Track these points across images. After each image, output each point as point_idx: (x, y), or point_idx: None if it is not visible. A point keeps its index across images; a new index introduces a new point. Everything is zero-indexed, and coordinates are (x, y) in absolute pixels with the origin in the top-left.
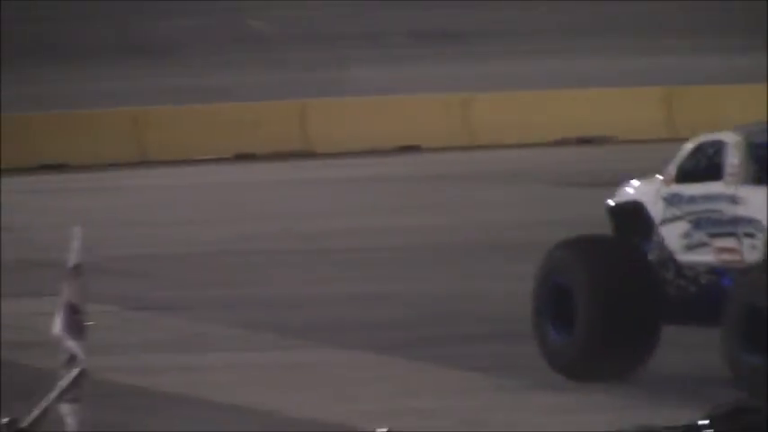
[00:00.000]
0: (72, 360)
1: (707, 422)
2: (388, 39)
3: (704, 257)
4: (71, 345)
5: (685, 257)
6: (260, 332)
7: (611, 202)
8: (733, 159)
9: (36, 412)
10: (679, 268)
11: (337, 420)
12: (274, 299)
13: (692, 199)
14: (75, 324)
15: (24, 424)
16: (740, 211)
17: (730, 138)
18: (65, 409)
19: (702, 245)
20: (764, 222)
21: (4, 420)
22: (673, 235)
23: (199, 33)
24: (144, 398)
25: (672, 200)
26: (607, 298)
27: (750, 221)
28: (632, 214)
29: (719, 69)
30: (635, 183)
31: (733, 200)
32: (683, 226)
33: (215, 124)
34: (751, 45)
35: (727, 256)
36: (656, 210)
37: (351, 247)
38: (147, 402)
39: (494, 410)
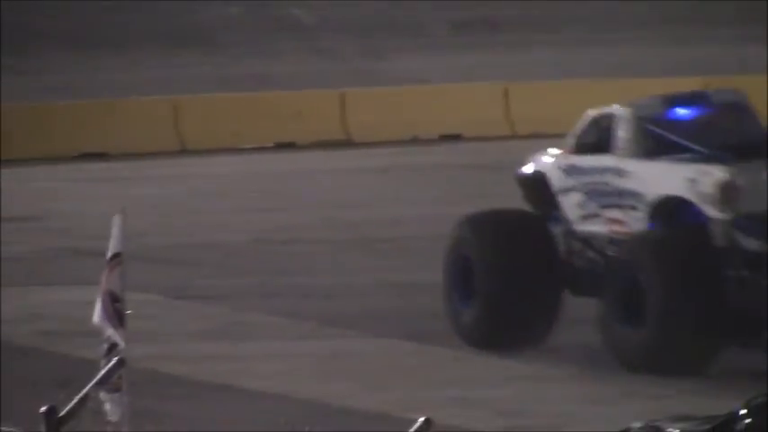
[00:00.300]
0: (112, 348)
1: (744, 412)
2: (428, 28)
3: (597, 228)
4: (111, 333)
5: (581, 228)
6: (300, 321)
7: (519, 173)
8: (621, 133)
9: (74, 401)
10: (586, 239)
11: (376, 409)
12: (314, 288)
13: (585, 170)
14: (115, 312)
15: (63, 412)
16: (625, 183)
17: (620, 111)
18: (105, 397)
19: (595, 216)
20: (646, 195)
21: (43, 409)
22: (569, 205)
23: (239, 22)
24: (184, 386)
25: (569, 171)
26: (502, 269)
27: (633, 194)
28: (537, 185)
29: (758, 59)
30: (543, 153)
31: (619, 172)
32: (577, 197)
33: (255, 113)
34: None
35: (616, 227)
36: (555, 180)
37: (391, 236)
38: (186, 390)
39: (533, 400)
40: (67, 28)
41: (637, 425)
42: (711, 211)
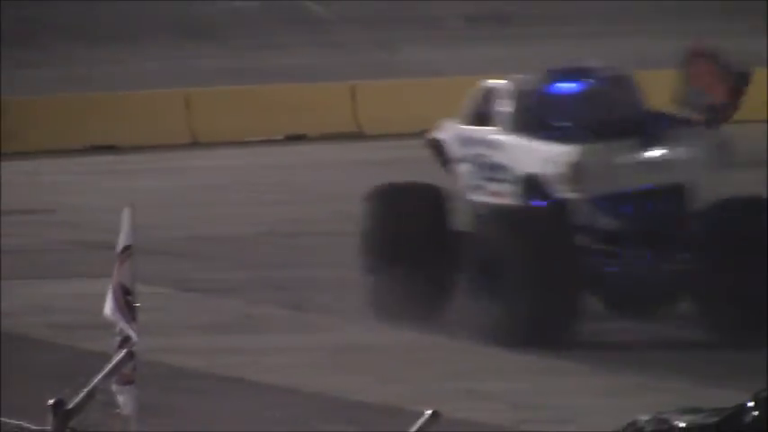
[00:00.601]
0: (126, 342)
1: (752, 404)
2: (442, 21)
3: (484, 199)
4: (123, 326)
5: (473, 198)
6: (310, 314)
7: (426, 137)
8: (501, 106)
9: (82, 394)
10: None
11: (385, 402)
12: (325, 281)
13: (473, 142)
14: (127, 305)
15: (71, 405)
16: (501, 157)
17: (502, 85)
18: (116, 390)
19: (481, 187)
20: (515, 171)
21: (51, 402)
22: (462, 175)
23: (252, 14)
24: (193, 379)
25: (461, 141)
26: (392, 242)
27: (506, 169)
28: (439, 152)
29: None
30: (450, 120)
31: (497, 146)
32: (467, 167)
33: (266, 105)
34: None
35: (497, 200)
36: (451, 149)
37: None
38: (196, 384)
39: (543, 393)
40: (76, 19)
41: (644, 417)
42: (562, 191)
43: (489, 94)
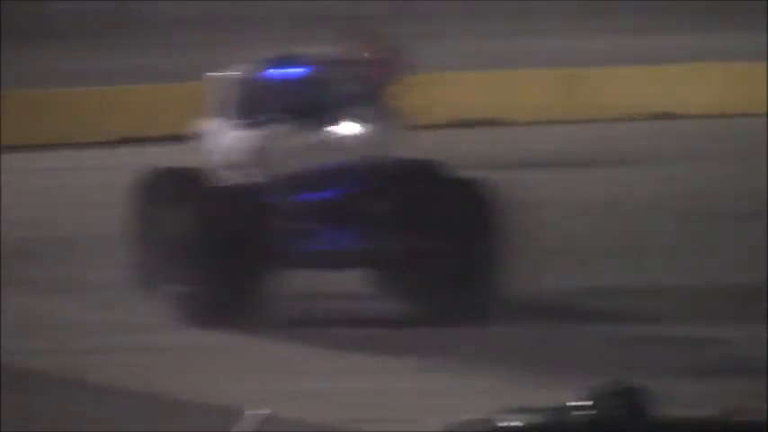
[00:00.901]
0: None
1: (590, 403)
2: (267, 22)
3: (214, 184)
4: None
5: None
6: (155, 315)
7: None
8: (222, 95)
9: None
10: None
11: (223, 402)
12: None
13: (207, 133)
14: None
15: None
16: (215, 146)
17: (224, 75)
18: None
19: (215, 173)
20: (222, 155)
21: None
22: (206, 163)
23: (91, 15)
24: (37, 381)
25: (204, 133)
26: (155, 230)
27: (219, 154)
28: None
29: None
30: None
31: (214, 134)
32: (207, 155)
33: (102, 107)
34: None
35: (222, 185)
36: (203, 140)
37: None
38: (40, 385)
39: (381, 393)
40: None
41: (469, 418)
42: (249, 173)
43: (218, 85)
